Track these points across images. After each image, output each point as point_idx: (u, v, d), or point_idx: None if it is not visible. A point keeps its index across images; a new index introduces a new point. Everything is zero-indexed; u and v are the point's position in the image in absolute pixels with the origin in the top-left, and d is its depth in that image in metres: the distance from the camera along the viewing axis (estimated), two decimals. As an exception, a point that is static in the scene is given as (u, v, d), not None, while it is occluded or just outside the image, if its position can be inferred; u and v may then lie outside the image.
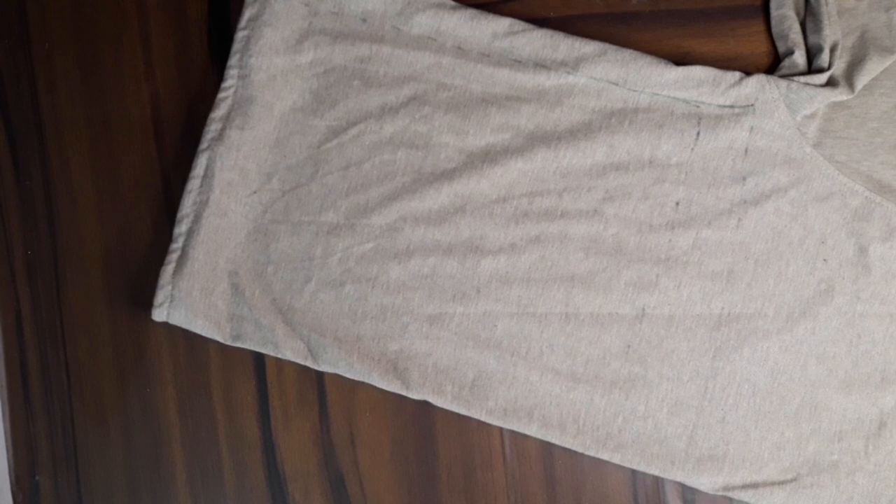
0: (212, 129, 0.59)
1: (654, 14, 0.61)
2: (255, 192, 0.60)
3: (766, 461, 0.57)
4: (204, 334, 0.59)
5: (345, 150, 0.59)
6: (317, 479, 0.61)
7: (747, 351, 0.57)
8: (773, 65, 0.60)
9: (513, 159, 0.58)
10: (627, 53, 0.58)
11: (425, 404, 0.59)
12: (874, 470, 0.57)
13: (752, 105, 0.57)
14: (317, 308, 0.59)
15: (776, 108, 0.57)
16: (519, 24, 0.59)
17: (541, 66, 0.59)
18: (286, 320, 0.58)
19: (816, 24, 0.58)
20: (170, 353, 0.62)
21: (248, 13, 0.59)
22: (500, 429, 0.60)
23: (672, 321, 0.58)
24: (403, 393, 0.58)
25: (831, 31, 0.57)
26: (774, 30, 0.60)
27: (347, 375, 0.58)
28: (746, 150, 0.58)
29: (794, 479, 0.57)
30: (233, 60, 0.59)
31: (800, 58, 0.58)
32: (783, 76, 0.58)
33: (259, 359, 0.61)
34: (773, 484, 0.57)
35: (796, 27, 0.58)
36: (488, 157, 0.59)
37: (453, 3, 0.60)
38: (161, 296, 0.58)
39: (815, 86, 0.57)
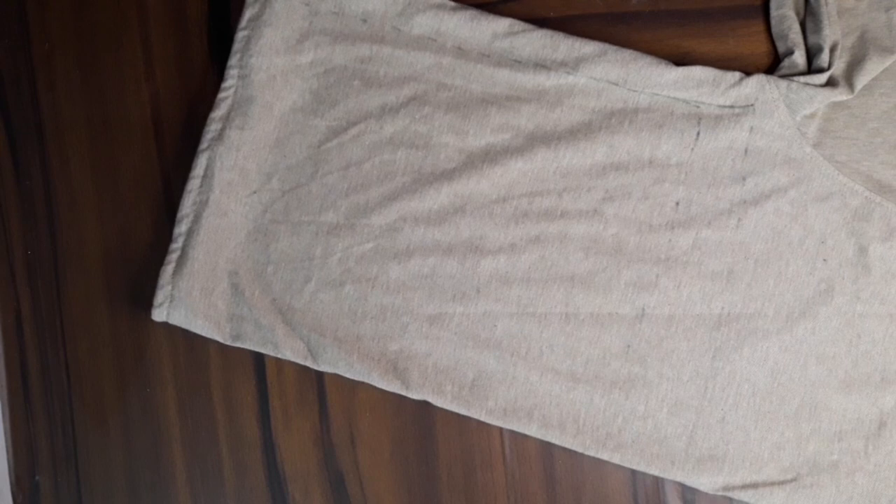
0: (212, 128, 0.59)
1: (654, 14, 0.61)
2: (254, 192, 0.60)
3: (765, 461, 0.57)
4: (204, 334, 0.59)
5: (345, 149, 0.59)
6: (317, 479, 0.61)
7: (747, 351, 0.57)
8: (773, 65, 0.60)
9: (513, 159, 0.58)
10: (627, 53, 0.58)
11: (425, 404, 0.59)
12: (874, 470, 0.57)
13: (752, 105, 0.57)
14: (316, 308, 0.59)
15: (776, 108, 0.57)
16: (519, 25, 0.59)
17: (541, 66, 0.59)
18: (286, 320, 0.58)
19: (816, 24, 0.58)
20: (170, 353, 0.62)
21: (248, 13, 0.59)
22: (500, 429, 0.60)
23: (672, 321, 0.58)
24: (403, 393, 0.58)
25: (831, 31, 0.57)
26: (774, 30, 0.60)
27: (347, 375, 0.58)
28: (746, 150, 0.58)
29: (793, 479, 0.57)
30: (233, 60, 0.59)
31: (800, 58, 0.58)
32: (783, 76, 0.58)
33: (259, 359, 0.61)
34: (772, 484, 0.57)
35: (796, 27, 0.58)
36: (488, 157, 0.59)
37: (453, 3, 0.60)
38: (161, 296, 0.58)
39: (815, 86, 0.57)
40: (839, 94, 0.57)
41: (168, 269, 0.58)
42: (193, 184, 0.59)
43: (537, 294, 0.58)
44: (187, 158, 0.60)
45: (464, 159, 0.59)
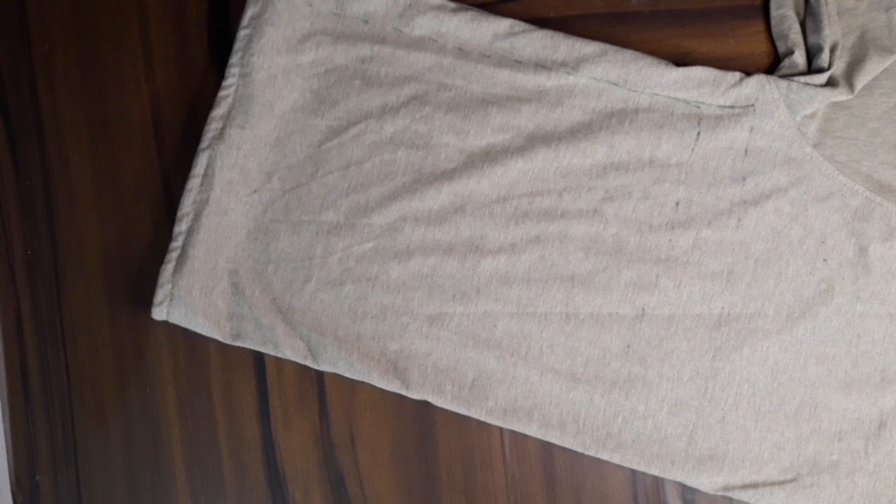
0: (212, 127, 0.59)
1: (654, 14, 0.61)
2: (255, 191, 0.60)
3: (765, 461, 0.57)
4: (204, 333, 0.59)
5: (345, 149, 0.60)
6: (317, 479, 0.61)
7: (747, 351, 0.57)
8: (773, 65, 0.60)
9: (513, 159, 0.58)
10: (628, 54, 0.58)
11: (425, 404, 0.59)
12: (874, 470, 0.57)
13: (753, 105, 0.57)
14: (317, 307, 0.59)
15: (776, 109, 0.57)
16: (519, 25, 0.59)
17: (541, 66, 0.59)
18: (286, 319, 0.58)
19: (816, 24, 0.58)
20: (170, 353, 0.62)
21: (250, 11, 0.59)
22: (500, 429, 0.60)
23: (672, 321, 0.58)
24: (403, 393, 0.58)
25: (831, 31, 0.57)
26: (774, 30, 0.60)
27: (347, 375, 0.58)
28: (746, 151, 0.58)
29: (793, 479, 0.57)
30: (234, 59, 0.59)
31: (800, 58, 0.58)
32: (783, 76, 0.58)
33: (259, 359, 0.61)
34: (772, 484, 0.57)
35: (796, 27, 0.58)
36: (489, 156, 0.59)
37: (454, 4, 0.60)
38: (161, 294, 0.58)
39: (815, 86, 0.57)
40: (839, 94, 0.57)
41: (168, 268, 0.58)
42: (194, 182, 0.59)
43: (537, 294, 0.58)
44: (187, 158, 0.60)
45: (464, 159, 0.59)
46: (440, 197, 0.59)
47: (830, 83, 0.57)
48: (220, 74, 0.60)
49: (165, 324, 0.61)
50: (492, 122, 0.59)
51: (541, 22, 0.60)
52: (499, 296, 0.58)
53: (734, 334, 0.57)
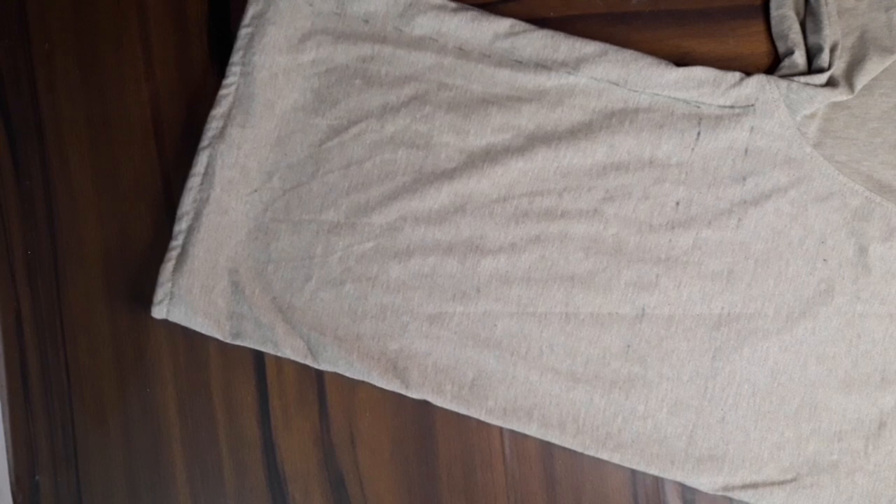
0: (213, 126, 0.59)
1: (654, 14, 0.61)
2: (255, 191, 0.60)
3: (765, 461, 0.57)
4: (203, 332, 0.59)
5: (346, 148, 0.60)
6: (317, 479, 0.61)
7: (747, 351, 0.57)
8: (773, 65, 0.60)
9: (513, 159, 0.58)
10: (628, 54, 0.58)
11: (425, 404, 0.59)
12: (874, 470, 0.57)
13: (753, 105, 0.57)
14: (317, 307, 0.59)
15: (776, 109, 0.57)
16: (520, 25, 0.59)
17: (542, 66, 0.59)
18: (286, 319, 0.58)
19: (816, 24, 0.58)
20: (170, 352, 0.62)
21: (252, 10, 0.59)
22: (500, 429, 0.60)
23: (672, 321, 0.58)
24: (403, 392, 0.58)
25: (831, 31, 0.57)
26: (774, 30, 0.60)
27: (347, 374, 0.58)
28: (746, 151, 0.58)
29: (793, 479, 0.57)
30: (235, 57, 0.59)
31: (800, 58, 0.58)
32: (783, 76, 0.58)
33: (259, 358, 0.61)
34: (772, 484, 0.57)
35: (796, 27, 0.58)
36: (489, 156, 0.59)
37: (455, 4, 0.60)
38: (161, 293, 0.58)
39: (815, 86, 0.57)
40: (839, 94, 0.57)
41: (168, 267, 0.58)
42: (194, 181, 0.59)
43: (537, 294, 0.58)
44: (187, 158, 0.60)
45: (464, 159, 0.59)
46: (440, 196, 0.59)
47: (830, 83, 0.57)
48: (220, 74, 0.60)
49: (165, 323, 0.61)
50: (492, 121, 0.59)
51: (541, 22, 0.60)
52: (499, 295, 0.58)
53: (734, 334, 0.57)
